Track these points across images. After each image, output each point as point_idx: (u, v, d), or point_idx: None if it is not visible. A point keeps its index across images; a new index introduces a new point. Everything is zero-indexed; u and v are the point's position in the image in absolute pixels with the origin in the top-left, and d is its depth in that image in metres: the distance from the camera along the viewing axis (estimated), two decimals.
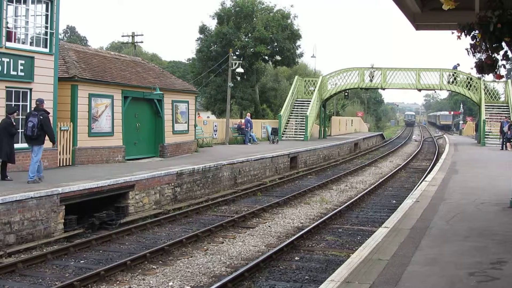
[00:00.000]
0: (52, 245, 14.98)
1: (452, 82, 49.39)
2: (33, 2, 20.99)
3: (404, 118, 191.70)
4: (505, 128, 39.90)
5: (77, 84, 22.57)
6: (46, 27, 21.25)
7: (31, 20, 21.14)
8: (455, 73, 49.16)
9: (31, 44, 20.89)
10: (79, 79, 22.55)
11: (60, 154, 21.88)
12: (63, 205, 16.04)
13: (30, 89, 20.29)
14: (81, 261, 13.64)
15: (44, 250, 14.35)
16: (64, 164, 22.02)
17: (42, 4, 21.28)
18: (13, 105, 19.50)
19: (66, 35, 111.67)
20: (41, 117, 17.65)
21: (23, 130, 18.82)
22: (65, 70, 22.68)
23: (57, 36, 21.74)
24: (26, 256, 13.67)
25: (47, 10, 21.30)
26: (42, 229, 15.26)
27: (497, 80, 12.32)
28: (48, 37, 21.23)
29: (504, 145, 39.81)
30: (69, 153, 22.31)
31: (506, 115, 45.87)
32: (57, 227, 15.78)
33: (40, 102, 18.22)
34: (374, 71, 50.81)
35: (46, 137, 18.12)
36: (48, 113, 18.60)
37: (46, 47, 21.15)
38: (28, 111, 19.55)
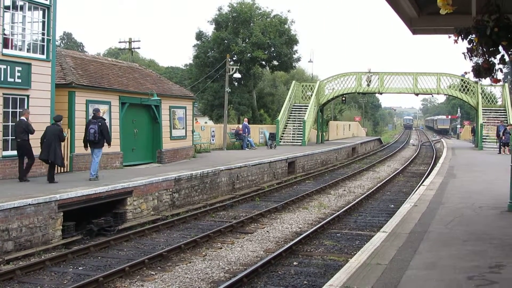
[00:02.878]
0: (51, 252, 14.96)
1: (463, 90, 49.33)
2: (30, 9, 21.00)
3: (403, 122, 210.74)
4: (501, 133, 39.94)
5: (75, 90, 22.57)
6: (43, 34, 21.27)
7: (28, 27, 21.14)
8: (464, 81, 49.05)
9: (28, 50, 20.90)
10: (76, 85, 22.55)
11: None
12: (61, 212, 16.01)
13: (27, 96, 20.29)
14: (80, 268, 13.62)
15: (43, 257, 14.33)
16: (62, 171, 21.98)
17: (39, 11, 21.30)
18: (10, 111, 19.59)
19: (63, 42, 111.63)
20: (100, 124, 20.31)
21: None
22: (62, 77, 22.68)
23: (54, 42, 21.76)
24: (25, 263, 13.66)
25: (43, 17, 21.32)
26: (40, 236, 15.24)
27: (494, 84, 12.32)
28: (45, 43, 21.25)
29: (500, 149, 39.81)
30: (67, 160, 22.26)
31: (503, 119, 45.90)
32: (55, 234, 15.76)
33: (96, 111, 21.00)
34: (371, 75, 50.85)
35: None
36: (105, 119, 21.28)
37: (43, 53, 21.17)
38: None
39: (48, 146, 18.93)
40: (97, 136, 20.20)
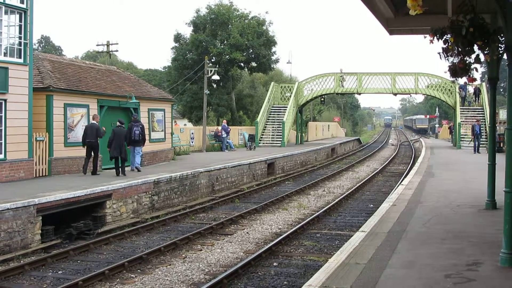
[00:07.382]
0: (30, 256, 14.88)
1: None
2: (6, 13, 20.83)
3: (384, 121, 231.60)
4: (477, 129, 40.16)
5: (52, 94, 22.45)
6: (20, 38, 21.10)
7: (5, 31, 20.94)
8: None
9: (5, 55, 20.69)
10: (54, 89, 22.43)
11: (36, 165, 21.73)
12: (40, 216, 15.92)
13: (5, 100, 20.13)
14: (59, 272, 13.55)
15: (22, 261, 14.23)
16: (41, 175, 21.87)
17: (15, 14, 21.14)
18: None
19: (41, 45, 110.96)
20: (141, 127, 24.62)
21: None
22: (40, 80, 22.55)
23: (31, 46, 21.60)
24: (3, 268, 13.56)
25: (20, 21, 21.16)
26: (19, 241, 15.15)
27: (470, 83, 12.43)
28: (22, 47, 21.08)
29: (477, 148, 39.96)
30: (45, 164, 22.16)
31: (479, 118, 46.17)
32: (34, 238, 15.67)
33: (135, 116, 25.25)
34: (344, 76, 50.99)
35: None
36: (142, 122, 25.48)
37: (20, 57, 21.00)
38: (4, 122, 20.09)
39: (120, 146, 22.62)
40: (140, 136, 24.32)
